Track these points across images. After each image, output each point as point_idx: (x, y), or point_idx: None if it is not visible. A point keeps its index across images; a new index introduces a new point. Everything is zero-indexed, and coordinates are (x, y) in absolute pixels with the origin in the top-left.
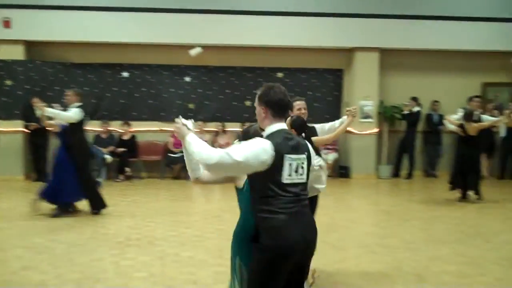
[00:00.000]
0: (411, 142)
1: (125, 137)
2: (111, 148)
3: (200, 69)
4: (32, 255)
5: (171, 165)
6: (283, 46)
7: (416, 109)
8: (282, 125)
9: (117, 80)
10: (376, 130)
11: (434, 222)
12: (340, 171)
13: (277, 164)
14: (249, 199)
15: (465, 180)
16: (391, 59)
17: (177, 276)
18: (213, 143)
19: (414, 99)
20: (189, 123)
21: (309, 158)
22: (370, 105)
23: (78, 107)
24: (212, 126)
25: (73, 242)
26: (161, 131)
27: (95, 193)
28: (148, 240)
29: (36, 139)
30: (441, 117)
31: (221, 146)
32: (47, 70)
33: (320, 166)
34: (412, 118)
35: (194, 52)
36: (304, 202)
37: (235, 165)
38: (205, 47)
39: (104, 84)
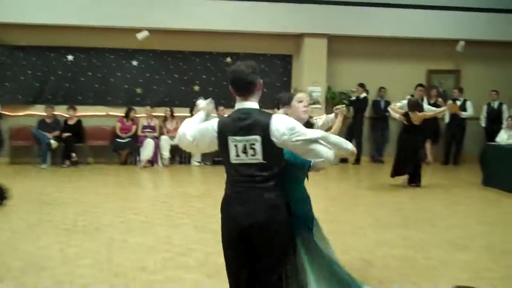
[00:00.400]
0: (359, 128)
1: (71, 122)
2: (56, 133)
3: (147, 53)
4: None
5: (119, 150)
6: (232, 31)
7: (363, 95)
8: (242, 104)
9: (62, 64)
10: (324, 115)
11: (380, 207)
12: None
13: (221, 144)
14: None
15: (405, 168)
16: (339, 45)
17: (125, 263)
18: (161, 128)
19: (362, 85)
20: (202, 102)
21: (266, 138)
22: (318, 91)
23: None
24: (160, 111)
25: (17, 230)
26: (108, 115)
27: None
28: (94, 226)
29: None
30: (387, 103)
31: (169, 132)
32: None
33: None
34: (360, 104)
35: (141, 35)
36: (259, 182)
37: (191, 143)
38: (152, 31)
39: (48, 67)
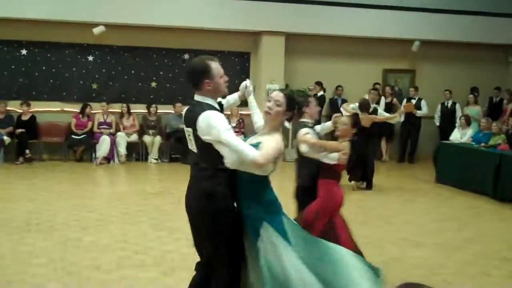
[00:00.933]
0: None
1: (24, 118)
2: (9, 129)
3: (104, 49)
4: None
5: (74, 147)
6: (190, 27)
7: (320, 93)
8: (196, 97)
9: (15, 58)
10: None
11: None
12: None
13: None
14: None
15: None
16: (297, 43)
17: (79, 262)
18: (117, 125)
19: (319, 83)
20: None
21: (195, 132)
22: (276, 88)
23: None
24: (117, 107)
25: None
26: (63, 111)
27: None
28: (48, 224)
29: None
30: (344, 101)
31: (125, 128)
32: None
33: None
34: (317, 102)
35: (97, 30)
36: (196, 169)
37: None
38: (109, 26)
39: (1, 61)
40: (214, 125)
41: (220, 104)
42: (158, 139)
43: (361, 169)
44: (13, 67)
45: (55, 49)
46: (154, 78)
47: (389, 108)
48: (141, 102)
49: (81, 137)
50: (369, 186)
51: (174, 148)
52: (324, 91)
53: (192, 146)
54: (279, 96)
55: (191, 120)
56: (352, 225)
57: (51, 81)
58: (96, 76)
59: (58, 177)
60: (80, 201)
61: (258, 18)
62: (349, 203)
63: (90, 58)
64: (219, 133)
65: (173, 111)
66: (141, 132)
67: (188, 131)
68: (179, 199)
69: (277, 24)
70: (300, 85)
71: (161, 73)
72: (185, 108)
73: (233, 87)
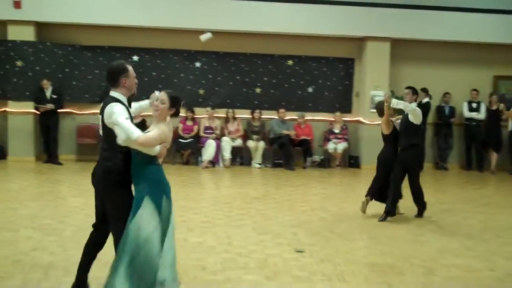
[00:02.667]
0: (421, 133)
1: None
2: None
3: (210, 55)
4: (41, 236)
5: (181, 150)
6: (294, 34)
7: (425, 100)
8: (111, 93)
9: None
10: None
11: (443, 214)
12: (349, 161)
13: None
14: None
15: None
16: (403, 49)
17: (186, 262)
18: (222, 130)
19: (424, 90)
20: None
21: (102, 118)
22: (380, 95)
23: None
24: (222, 113)
25: (81, 225)
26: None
27: None
28: None
29: (47, 121)
30: (452, 109)
31: (230, 133)
32: (57, 52)
33: None
34: (422, 109)
35: (204, 37)
36: (101, 150)
37: None
38: (215, 33)
39: None
40: (115, 111)
41: (128, 101)
42: (262, 144)
43: (379, 184)
44: None
45: (164, 56)
46: (259, 84)
47: (496, 116)
48: (246, 107)
49: (188, 141)
50: (385, 215)
51: (278, 153)
52: (430, 97)
53: (100, 131)
54: (164, 96)
55: (102, 109)
56: (459, 236)
57: (160, 86)
58: (203, 81)
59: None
60: (186, 203)
61: (363, 23)
62: (456, 213)
63: (197, 64)
64: (116, 116)
65: (276, 117)
66: (246, 137)
67: (100, 118)
68: (281, 204)
69: (383, 30)
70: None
71: (266, 79)
72: None
73: (337, 93)
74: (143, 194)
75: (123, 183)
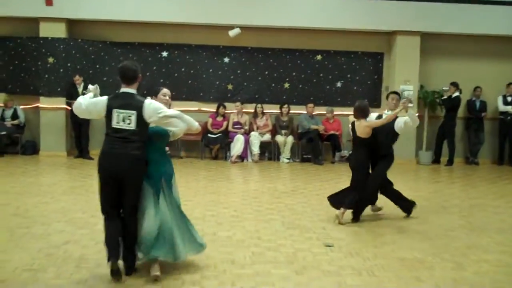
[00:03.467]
0: (451, 128)
1: None
2: None
3: (239, 50)
4: (73, 229)
5: (210, 145)
6: (323, 28)
7: (455, 94)
8: (124, 89)
9: (156, 60)
10: (416, 115)
11: (474, 210)
12: None
13: (108, 114)
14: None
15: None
16: (432, 43)
17: (215, 255)
18: (251, 125)
19: (454, 84)
20: (92, 87)
21: (139, 115)
22: (410, 90)
23: None
24: (251, 108)
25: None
26: (200, 111)
27: None
28: None
29: (78, 116)
30: (483, 103)
31: (259, 128)
32: (88, 48)
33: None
34: (452, 104)
35: (233, 33)
36: (129, 142)
37: (84, 110)
38: (244, 28)
39: (144, 63)
40: (159, 107)
41: None
42: (290, 139)
43: (350, 196)
44: (154, 68)
45: (193, 51)
46: (287, 79)
47: None
48: (274, 102)
49: (216, 136)
50: (355, 218)
51: (306, 148)
52: (460, 92)
53: (129, 125)
54: (168, 91)
55: (133, 106)
56: (489, 232)
57: (189, 81)
58: (231, 77)
59: (195, 174)
60: (215, 197)
61: (393, 17)
62: (487, 209)
63: (226, 59)
64: (165, 111)
65: (305, 112)
66: (274, 132)
67: (128, 113)
68: (309, 198)
69: (412, 24)
70: (435, 86)
71: (294, 74)
72: (111, 96)
73: (366, 88)
74: (171, 172)
75: (145, 173)
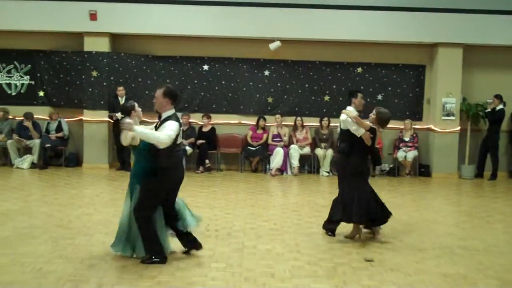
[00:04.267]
0: (495, 141)
1: (205, 129)
2: (191, 140)
3: (279, 63)
4: None
5: (250, 158)
6: (363, 41)
7: (499, 107)
8: (170, 112)
9: (197, 73)
10: (458, 128)
11: None
12: (420, 169)
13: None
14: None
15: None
16: (475, 55)
17: (255, 268)
18: (290, 138)
19: (498, 96)
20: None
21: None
22: (452, 102)
23: None
24: (291, 120)
25: None
26: (240, 124)
27: None
28: (226, 231)
29: (120, 129)
30: None
31: (298, 141)
32: (131, 62)
33: None
34: (495, 116)
35: (273, 46)
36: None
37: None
38: (284, 41)
39: (185, 76)
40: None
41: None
42: (330, 152)
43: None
44: (195, 82)
45: (234, 64)
46: (327, 92)
47: None
48: (314, 115)
49: (256, 148)
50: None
51: None
52: (504, 104)
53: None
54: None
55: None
56: None
57: (230, 95)
58: (272, 90)
59: (235, 187)
60: (255, 210)
61: (434, 29)
62: None
63: (266, 72)
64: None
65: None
66: (314, 145)
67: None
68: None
69: (455, 35)
70: (478, 99)
71: (334, 86)
72: (176, 117)
73: (407, 101)
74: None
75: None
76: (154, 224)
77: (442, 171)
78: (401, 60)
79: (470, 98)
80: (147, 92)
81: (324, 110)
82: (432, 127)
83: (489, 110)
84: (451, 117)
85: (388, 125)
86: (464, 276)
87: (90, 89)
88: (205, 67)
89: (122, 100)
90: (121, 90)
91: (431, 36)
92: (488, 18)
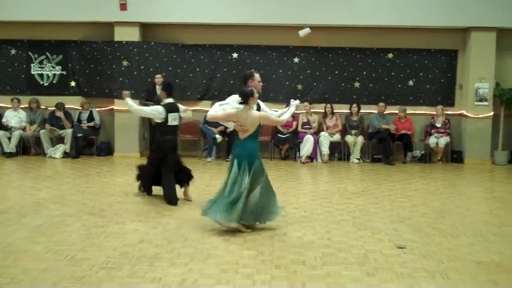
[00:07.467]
0: None
1: None
2: (221, 128)
3: (308, 50)
4: (147, 229)
5: (280, 145)
6: (394, 26)
7: None
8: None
9: (227, 61)
10: (491, 113)
11: None
12: (452, 155)
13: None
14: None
15: None
16: (509, 39)
17: (286, 256)
18: (320, 125)
19: None
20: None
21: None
22: (485, 88)
23: None
24: (320, 108)
25: (185, 218)
26: None
27: None
28: None
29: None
30: None
31: (328, 128)
32: (161, 51)
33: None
34: None
35: (303, 32)
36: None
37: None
38: (314, 28)
39: (214, 64)
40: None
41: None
42: (360, 139)
43: None
44: (225, 69)
45: (263, 52)
46: (358, 78)
47: None
48: (344, 102)
49: (286, 136)
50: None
51: (377, 148)
52: None
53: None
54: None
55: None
56: None
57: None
58: (301, 77)
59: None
60: (285, 198)
61: (467, 13)
62: None
63: (296, 59)
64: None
65: (376, 111)
66: (344, 132)
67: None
68: (380, 199)
69: (488, 19)
70: None
71: (365, 73)
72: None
73: (439, 86)
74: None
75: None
76: None
77: (474, 157)
78: (432, 45)
79: (503, 83)
80: (176, 80)
81: (354, 97)
82: (465, 112)
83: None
84: (484, 103)
85: (420, 111)
86: (499, 264)
87: (120, 79)
88: (235, 55)
89: (159, 88)
90: (159, 78)
91: (463, 20)
92: None
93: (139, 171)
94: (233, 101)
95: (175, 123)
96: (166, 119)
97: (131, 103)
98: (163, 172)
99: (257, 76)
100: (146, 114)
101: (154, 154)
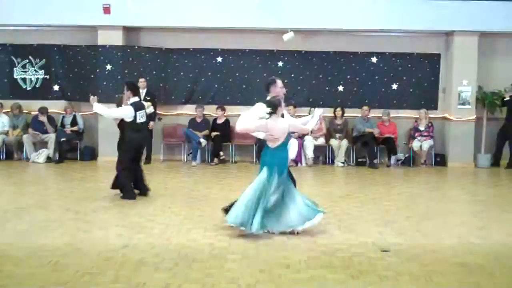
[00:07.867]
0: None
1: (219, 121)
2: (205, 132)
3: (292, 54)
4: (131, 234)
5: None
6: (377, 30)
7: None
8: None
9: (211, 65)
10: (474, 116)
11: None
12: (435, 159)
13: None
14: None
15: None
16: (491, 43)
17: (270, 260)
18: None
19: None
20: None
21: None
22: (468, 91)
23: None
24: (304, 111)
25: (169, 223)
26: None
27: None
28: None
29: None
30: None
31: (312, 132)
32: (145, 55)
33: None
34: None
35: (287, 37)
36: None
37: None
38: (297, 32)
39: (199, 69)
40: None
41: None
42: (345, 142)
43: None
44: (209, 74)
45: (247, 56)
46: (341, 82)
47: None
48: (328, 105)
49: None
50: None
51: (361, 151)
52: None
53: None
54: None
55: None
56: None
57: (244, 86)
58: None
59: (250, 178)
60: None
61: (450, 17)
62: None
63: (280, 63)
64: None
65: (360, 115)
66: (328, 136)
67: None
68: (365, 203)
69: (470, 23)
70: (495, 87)
71: (348, 76)
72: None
73: (422, 90)
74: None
75: None
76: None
77: (458, 161)
78: (416, 49)
79: (486, 87)
80: (161, 84)
81: (338, 101)
82: (448, 116)
83: (507, 98)
84: (467, 106)
85: (404, 115)
86: (482, 266)
87: (104, 83)
88: (219, 59)
89: (143, 92)
90: (142, 82)
91: (446, 25)
92: (504, 5)
93: (118, 180)
94: (259, 109)
95: (143, 120)
96: (135, 117)
97: (99, 108)
98: (135, 168)
99: (279, 82)
100: (116, 116)
101: (126, 154)
